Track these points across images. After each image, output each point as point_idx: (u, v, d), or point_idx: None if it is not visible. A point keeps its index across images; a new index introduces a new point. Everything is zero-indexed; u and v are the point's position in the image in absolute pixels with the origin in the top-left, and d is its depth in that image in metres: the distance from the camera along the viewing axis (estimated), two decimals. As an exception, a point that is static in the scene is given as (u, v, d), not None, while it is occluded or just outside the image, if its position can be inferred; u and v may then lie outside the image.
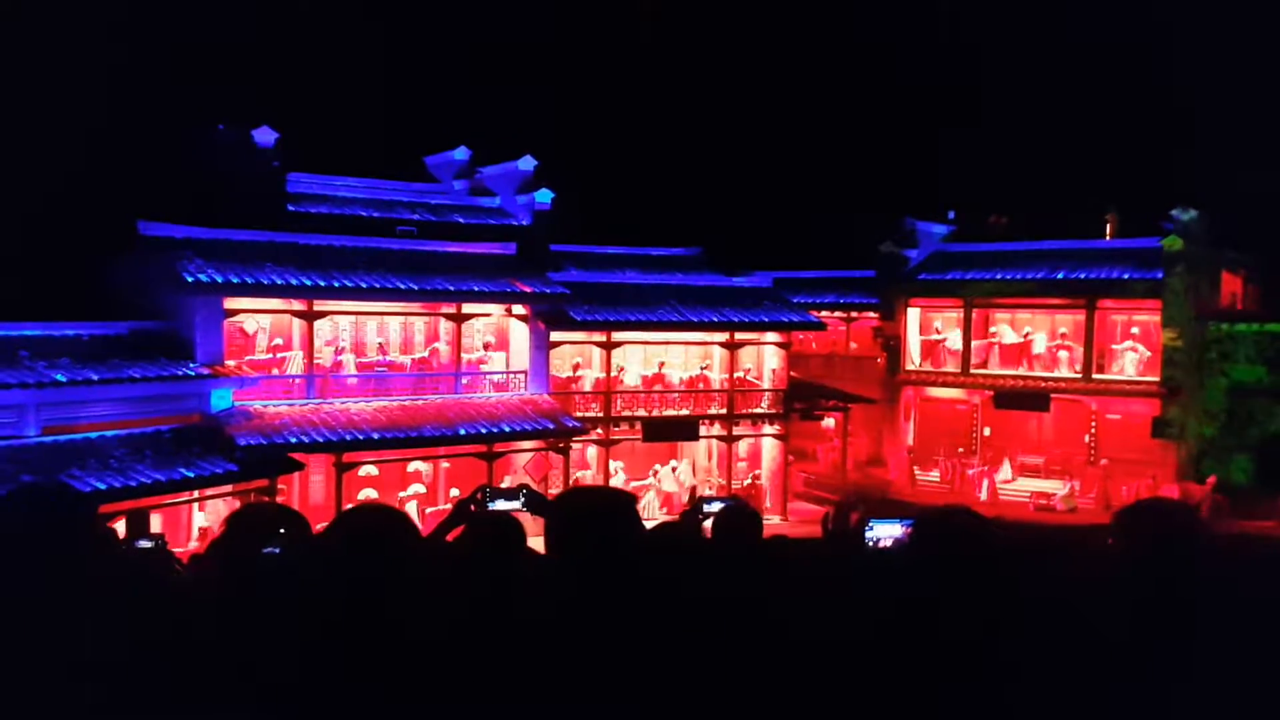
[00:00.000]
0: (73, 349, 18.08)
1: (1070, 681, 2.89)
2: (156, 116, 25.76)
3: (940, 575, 3.09)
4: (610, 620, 2.88)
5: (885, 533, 5.46)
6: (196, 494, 18.43)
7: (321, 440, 20.10)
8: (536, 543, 3.77)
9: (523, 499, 7.17)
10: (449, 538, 5.38)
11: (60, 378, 17.11)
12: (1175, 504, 3.54)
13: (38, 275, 19.88)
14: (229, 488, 18.54)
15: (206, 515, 18.86)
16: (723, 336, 26.94)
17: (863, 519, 5.51)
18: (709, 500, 7.92)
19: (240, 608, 3.54)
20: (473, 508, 6.80)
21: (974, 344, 30.80)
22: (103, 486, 15.98)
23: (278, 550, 4.90)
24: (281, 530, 5.09)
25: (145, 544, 7.38)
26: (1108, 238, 32.28)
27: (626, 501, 3.29)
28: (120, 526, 15.31)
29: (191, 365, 19.46)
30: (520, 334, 24.72)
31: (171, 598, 3.84)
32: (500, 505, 7.19)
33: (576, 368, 25.67)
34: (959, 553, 3.06)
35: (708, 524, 5.96)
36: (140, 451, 17.52)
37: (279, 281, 20.74)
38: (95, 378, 17.62)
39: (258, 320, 22.04)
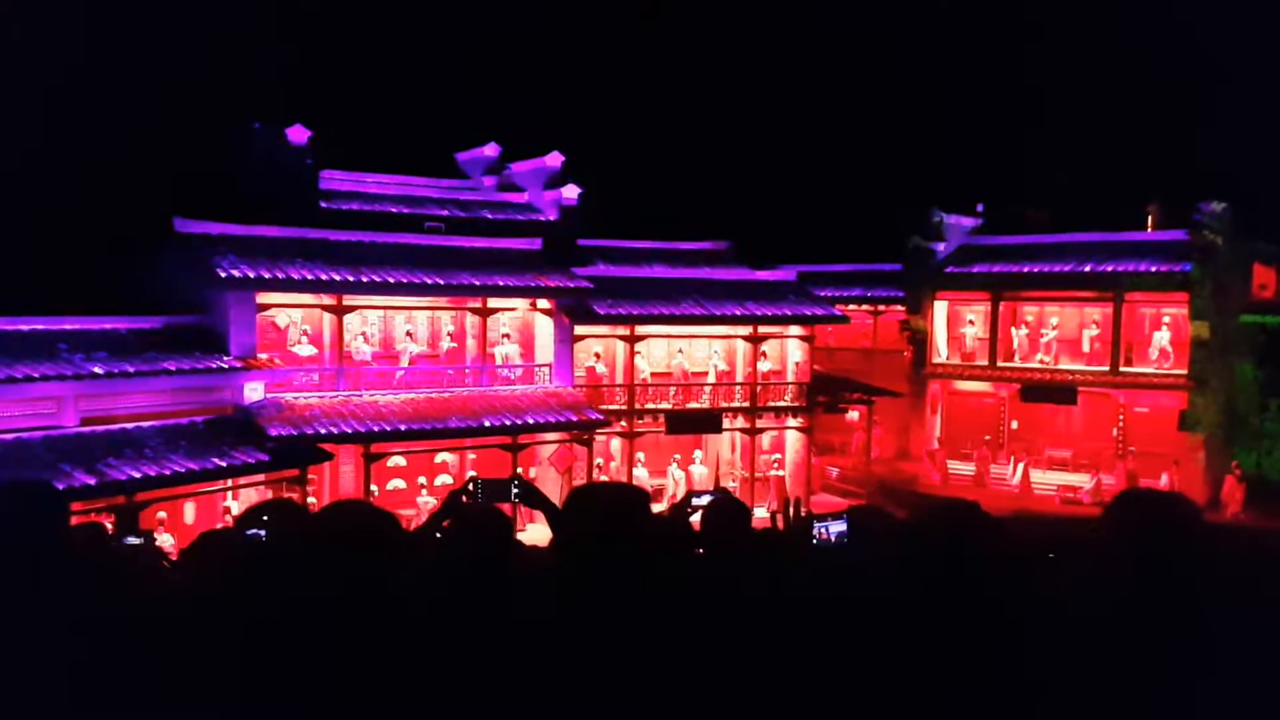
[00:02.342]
0: (110, 342, 18.63)
1: (1046, 679, 2.82)
2: (193, 116, 26.42)
3: (909, 572, 3.13)
4: (590, 616, 2.86)
5: (830, 529, 5.72)
6: (229, 483, 19.08)
7: (350, 431, 20.59)
8: (539, 533, 3.96)
9: (515, 491, 7.42)
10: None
11: (98, 370, 17.69)
12: (1169, 494, 3.43)
13: (76, 271, 20.53)
14: (261, 477, 19.13)
15: (239, 504, 19.45)
16: (746, 330, 27.09)
17: (809, 515, 5.78)
18: (698, 494, 8.19)
19: (220, 599, 3.65)
20: (464, 499, 7.06)
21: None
22: (138, 475, 16.57)
23: (262, 534, 5.31)
24: (265, 517, 5.49)
25: (134, 540, 7.70)
26: (1149, 230, 32.01)
27: (640, 498, 3.22)
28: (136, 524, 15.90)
29: (225, 358, 19.97)
30: (545, 328, 25.08)
31: (156, 593, 3.96)
32: (492, 498, 7.43)
33: (594, 366, 25.91)
34: (938, 550, 3.08)
35: (696, 517, 6.21)
36: (175, 441, 18.07)
37: (310, 277, 21.21)
38: (132, 370, 18.14)
39: (289, 314, 22.62)
